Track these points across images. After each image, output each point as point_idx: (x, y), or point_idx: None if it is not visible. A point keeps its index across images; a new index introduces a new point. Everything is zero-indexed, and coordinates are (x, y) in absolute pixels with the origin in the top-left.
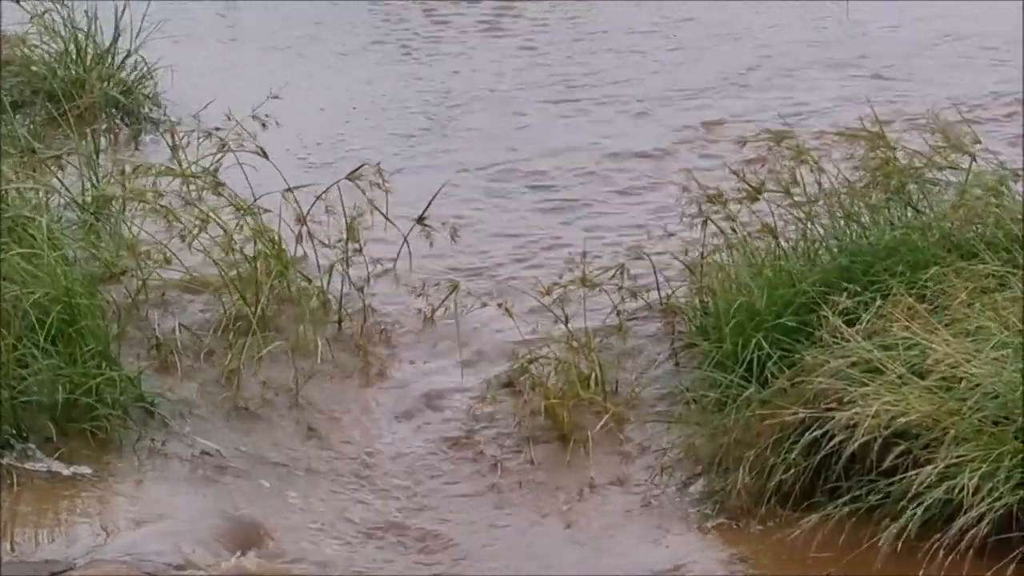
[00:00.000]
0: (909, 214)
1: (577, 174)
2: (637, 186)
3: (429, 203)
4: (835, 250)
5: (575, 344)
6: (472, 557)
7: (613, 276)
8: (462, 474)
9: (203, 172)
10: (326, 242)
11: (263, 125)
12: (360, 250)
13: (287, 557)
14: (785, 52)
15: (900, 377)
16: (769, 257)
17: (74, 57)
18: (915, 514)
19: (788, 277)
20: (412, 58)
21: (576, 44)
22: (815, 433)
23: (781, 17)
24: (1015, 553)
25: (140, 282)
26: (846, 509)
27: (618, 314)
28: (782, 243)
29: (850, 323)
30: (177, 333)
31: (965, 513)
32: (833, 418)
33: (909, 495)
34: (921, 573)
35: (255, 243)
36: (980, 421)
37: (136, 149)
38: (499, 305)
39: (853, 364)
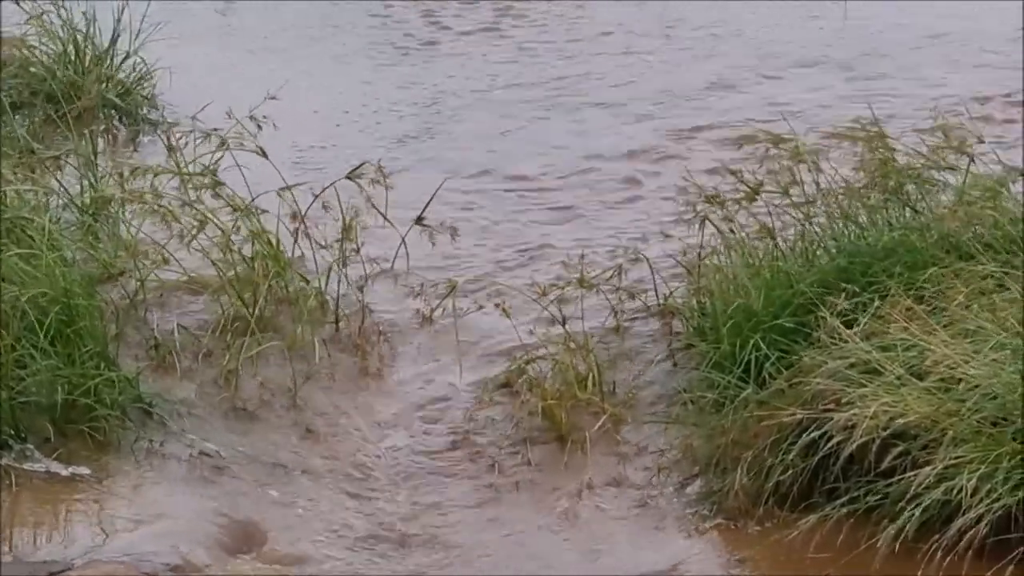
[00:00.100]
0: (907, 215)
1: (575, 175)
2: (635, 187)
3: (428, 203)
4: (833, 251)
5: (573, 345)
6: (469, 557)
7: (611, 277)
8: (460, 474)
9: (202, 170)
10: (323, 243)
11: (259, 127)
12: (358, 250)
13: (286, 558)
14: (784, 52)
15: (898, 378)
16: (767, 258)
17: (73, 59)
18: (913, 515)
19: (786, 278)
20: (410, 60)
21: (573, 45)
22: (813, 434)
23: (781, 17)
24: (1014, 554)
25: (138, 283)
26: (844, 510)
27: (616, 315)
28: (780, 244)
29: (848, 324)
30: (175, 334)
31: (964, 514)
32: (831, 419)
33: (907, 496)
34: (919, 574)
35: (253, 244)
36: (978, 422)
37: (135, 150)
38: (497, 306)
39: (851, 365)
